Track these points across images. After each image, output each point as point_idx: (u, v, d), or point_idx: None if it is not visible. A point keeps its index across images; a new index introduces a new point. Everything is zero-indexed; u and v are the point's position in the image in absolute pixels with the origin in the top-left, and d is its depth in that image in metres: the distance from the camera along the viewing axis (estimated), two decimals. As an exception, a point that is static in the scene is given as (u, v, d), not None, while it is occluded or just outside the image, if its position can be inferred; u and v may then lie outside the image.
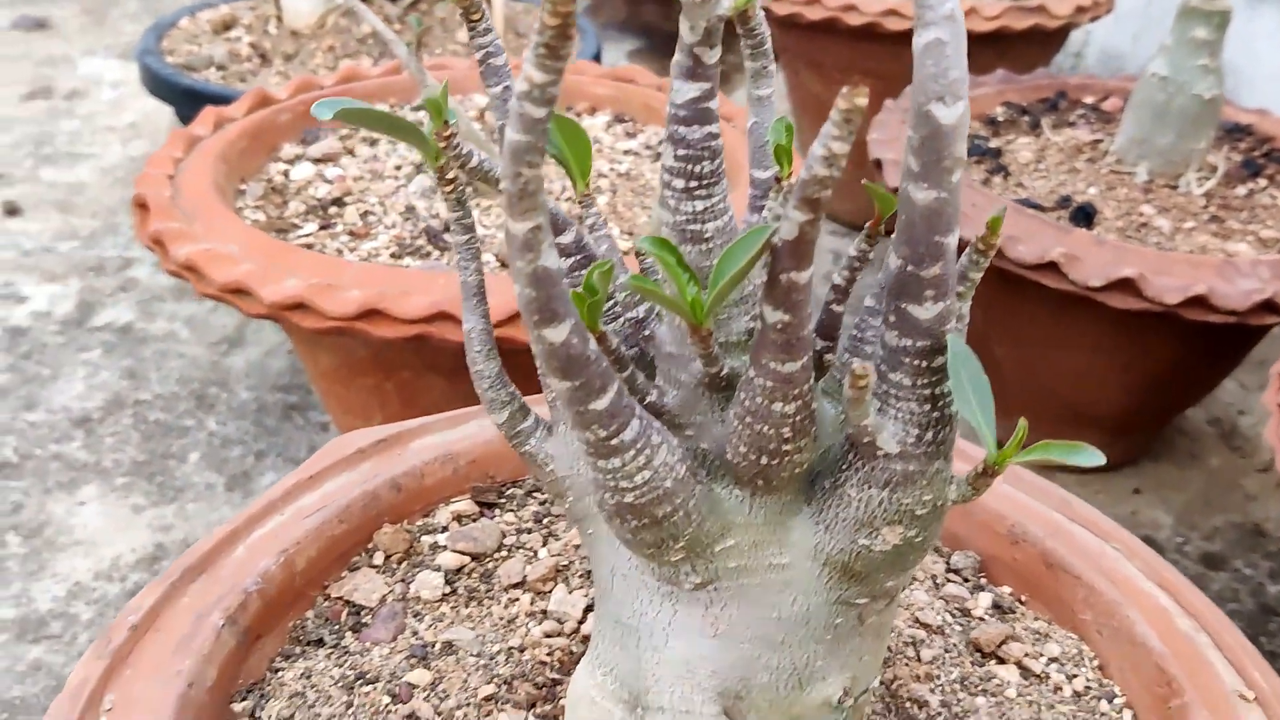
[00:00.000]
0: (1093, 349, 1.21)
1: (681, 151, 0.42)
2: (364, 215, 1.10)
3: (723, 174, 0.43)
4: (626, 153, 1.23)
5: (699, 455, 0.46)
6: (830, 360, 0.48)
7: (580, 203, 0.47)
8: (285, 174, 1.18)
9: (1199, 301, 1.07)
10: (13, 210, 1.96)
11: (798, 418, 0.42)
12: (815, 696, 0.49)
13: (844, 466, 0.45)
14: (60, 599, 1.20)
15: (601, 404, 0.40)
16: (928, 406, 0.43)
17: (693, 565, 0.46)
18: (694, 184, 0.43)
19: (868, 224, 0.44)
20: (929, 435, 0.43)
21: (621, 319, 0.48)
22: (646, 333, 0.47)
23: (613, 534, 0.48)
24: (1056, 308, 1.17)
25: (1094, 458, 0.40)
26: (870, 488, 0.44)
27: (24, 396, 1.50)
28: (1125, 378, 1.24)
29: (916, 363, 0.42)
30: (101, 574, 1.23)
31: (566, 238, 0.48)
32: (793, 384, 0.41)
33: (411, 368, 0.99)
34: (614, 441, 0.41)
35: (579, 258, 0.49)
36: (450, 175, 0.49)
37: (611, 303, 0.49)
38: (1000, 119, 1.43)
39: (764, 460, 0.44)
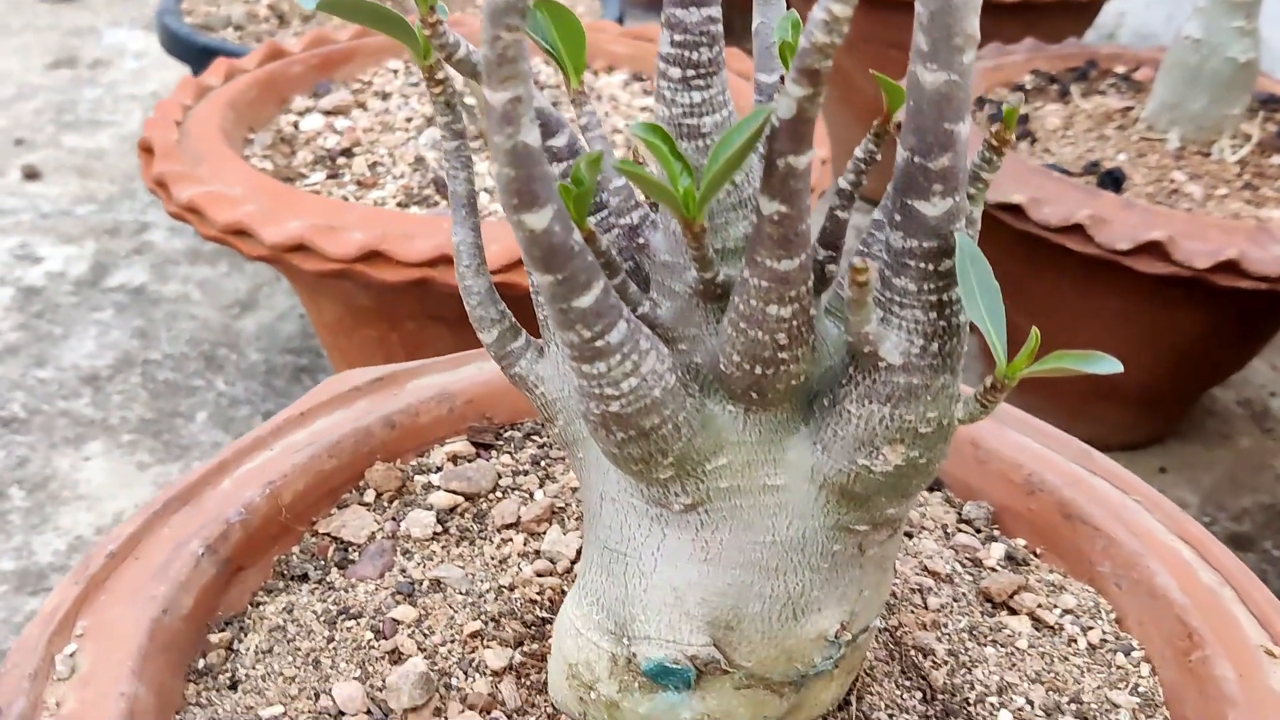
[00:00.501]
0: (1118, 319, 1.17)
1: (678, 37, 0.39)
2: (372, 166, 1.08)
3: (722, 64, 0.41)
4: (643, 109, 1.20)
5: (691, 369, 0.43)
6: (832, 272, 0.45)
7: (573, 101, 0.45)
8: (295, 125, 1.16)
9: (1230, 267, 1.03)
10: (33, 174, 1.95)
11: (794, 322, 0.40)
12: (810, 629, 0.46)
13: (844, 382, 0.42)
14: (61, 552, 1.18)
15: (586, 301, 0.37)
16: (934, 314, 0.40)
17: (682, 485, 0.44)
18: (691, 73, 0.40)
19: (876, 121, 0.41)
20: (934, 346, 0.40)
21: (615, 229, 0.46)
22: (641, 241, 0.45)
23: (600, 452, 0.46)
24: (1081, 274, 1.13)
25: (1111, 365, 0.37)
26: (871, 403, 0.41)
27: (35, 354, 1.49)
28: (1151, 350, 1.20)
29: (923, 265, 0.39)
30: (104, 529, 1.22)
31: (559, 140, 0.46)
32: (789, 284, 0.39)
33: (415, 317, 0.97)
34: (599, 343, 0.39)
35: (572, 162, 0.46)
36: (439, 76, 0.47)
37: (605, 212, 0.46)
38: (1028, 86, 1.40)
39: (758, 370, 0.41)
